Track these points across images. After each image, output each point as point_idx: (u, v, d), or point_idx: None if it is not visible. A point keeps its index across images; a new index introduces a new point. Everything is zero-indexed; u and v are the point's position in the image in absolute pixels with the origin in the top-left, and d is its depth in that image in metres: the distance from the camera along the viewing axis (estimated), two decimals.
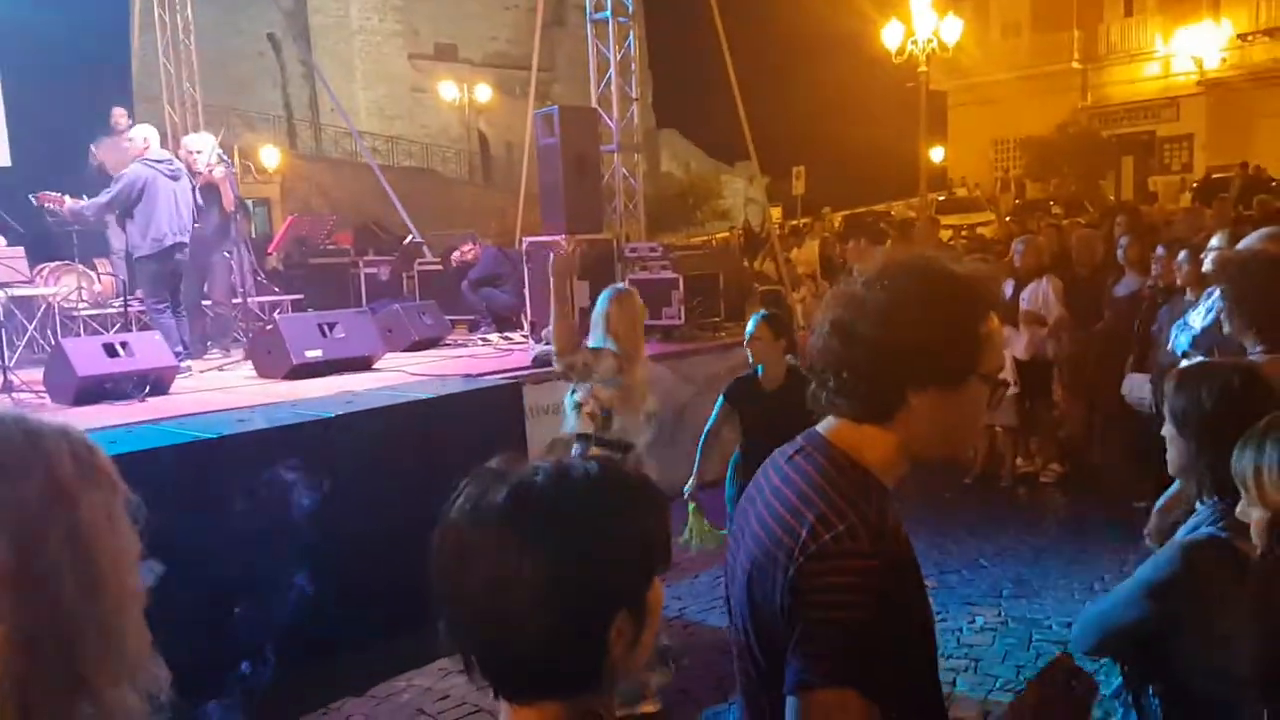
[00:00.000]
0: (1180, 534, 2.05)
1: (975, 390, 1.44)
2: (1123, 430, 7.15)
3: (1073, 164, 28.77)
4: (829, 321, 1.48)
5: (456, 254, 11.38)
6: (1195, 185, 23.92)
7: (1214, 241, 5.47)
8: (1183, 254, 6.19)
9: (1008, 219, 21.88)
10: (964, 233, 19.47)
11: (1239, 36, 29.48)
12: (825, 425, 1.50)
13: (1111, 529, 6.45)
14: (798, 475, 1.47)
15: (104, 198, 7.81)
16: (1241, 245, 4.06)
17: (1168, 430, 2.07)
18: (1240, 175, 22.28)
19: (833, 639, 1.32)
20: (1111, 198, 26.87)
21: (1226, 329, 3.26)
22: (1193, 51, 29.90)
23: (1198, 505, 2.05)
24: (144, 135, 8.12)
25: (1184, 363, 5.32)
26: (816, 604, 1.33)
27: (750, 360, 5.04)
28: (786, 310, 8.65)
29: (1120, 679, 2.07)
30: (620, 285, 5.12)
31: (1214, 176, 23.57)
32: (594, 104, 9.70)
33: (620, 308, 4.51)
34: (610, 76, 9.64)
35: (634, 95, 9.74)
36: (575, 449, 4.33)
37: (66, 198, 8.09)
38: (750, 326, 5.00)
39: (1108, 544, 6.18)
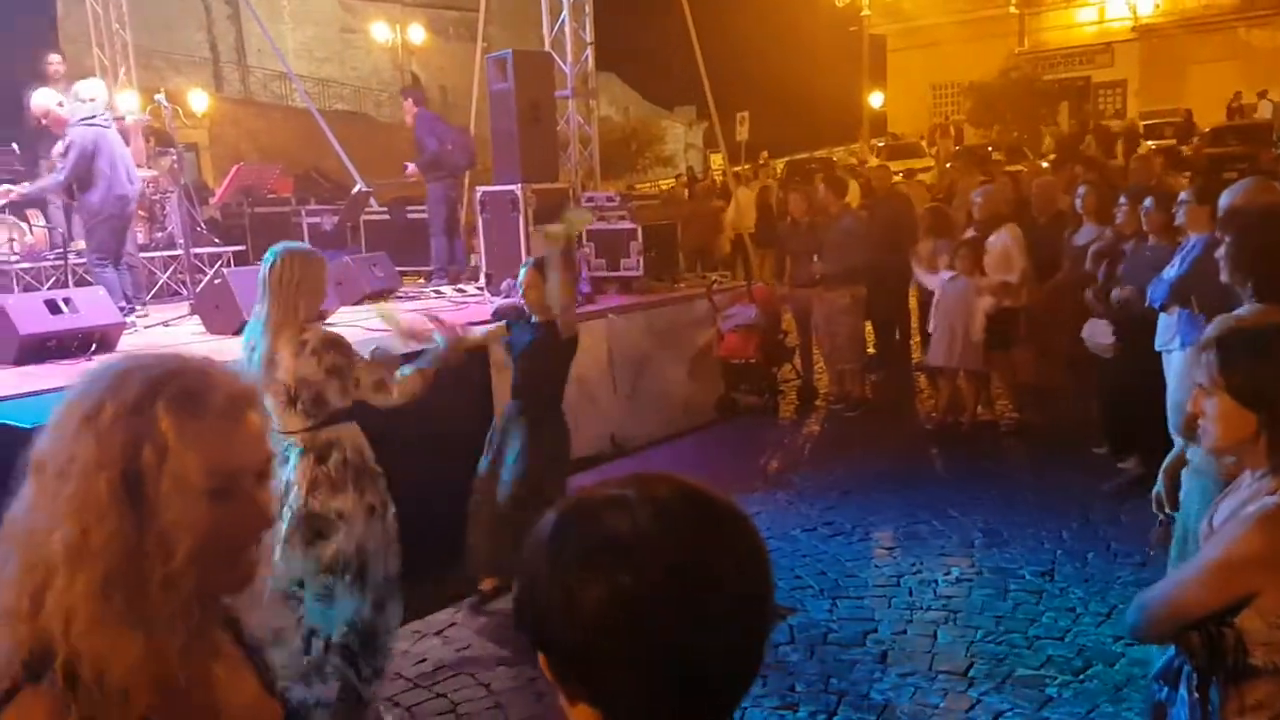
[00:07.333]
0: (1225, 510, 2.01)
1: None
2: (1080, 377, 7.26)
3: (1015, 110, 28.97)
4: None
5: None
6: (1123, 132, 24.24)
7: (1183, 196, 5.50)
8: (1148, 201, 6.22)
9: (948, 165, 21.98)
10: (898, 178, 19.49)
11: None
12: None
13: (1073, 475, 6.56)
14: None
15: (61, 175, 7.35)
16: (1228, 196, 4.05)
17: (1220, 400, 1.98)
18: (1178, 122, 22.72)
19: None
20: (1048, 140, 27.10)
21: (1224, 278, 3.25)
22: None
23: (1246, 477, 2.00)
24: (90, 94, 7.62)
25: (1162, 315, 5.37)
26: None
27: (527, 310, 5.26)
28: None
29: (1175, 660, 2.00)
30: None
31: (1149, 124, 23.96)
32: (547, 48, 9.44)
33: None
34: (564, 19, 9.37)
35: (588, 39, 9.49)
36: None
37: (11, 188, 7.75)
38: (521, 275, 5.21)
39: (1071, 491, 6.26)
